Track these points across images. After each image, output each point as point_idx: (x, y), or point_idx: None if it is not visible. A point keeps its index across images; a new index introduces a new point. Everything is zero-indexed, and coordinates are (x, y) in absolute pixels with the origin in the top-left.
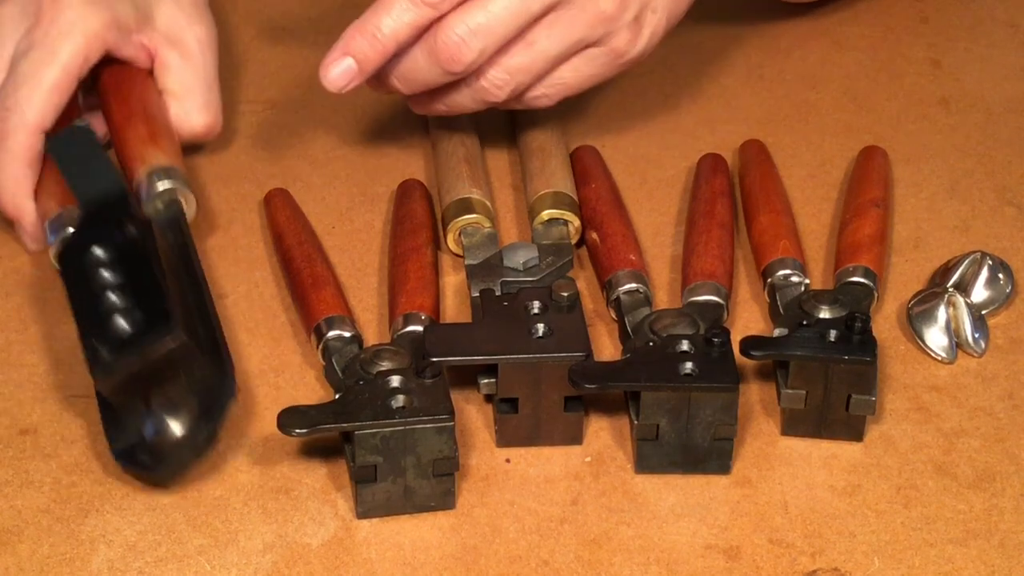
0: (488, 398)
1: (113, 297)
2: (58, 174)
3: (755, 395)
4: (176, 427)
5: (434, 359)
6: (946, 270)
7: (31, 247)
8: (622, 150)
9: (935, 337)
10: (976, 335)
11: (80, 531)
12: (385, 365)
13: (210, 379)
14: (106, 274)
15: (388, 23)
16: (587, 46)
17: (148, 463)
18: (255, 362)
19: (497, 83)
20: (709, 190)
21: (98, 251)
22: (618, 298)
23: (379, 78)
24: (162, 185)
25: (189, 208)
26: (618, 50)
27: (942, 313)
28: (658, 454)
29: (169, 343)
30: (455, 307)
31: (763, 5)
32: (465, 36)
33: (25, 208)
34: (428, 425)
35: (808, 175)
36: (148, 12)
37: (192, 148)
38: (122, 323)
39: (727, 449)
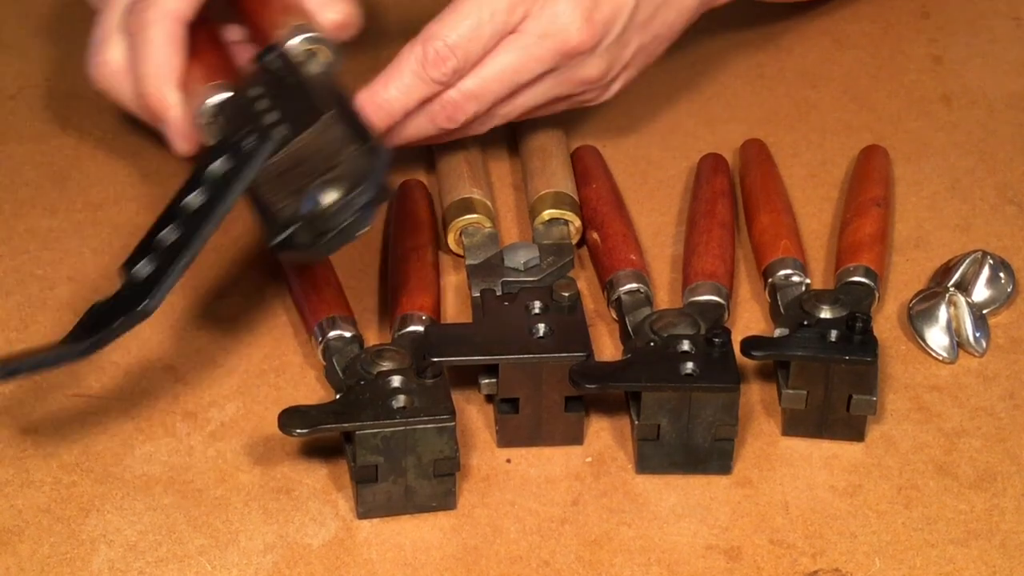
0: (489, 398)
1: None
2: (206, 66)
3: (756, 395)
4: (333, 195)
5: (435, 359)
6: (947, 269)
7: (179, 147)
8: (623, 150)
9: (936, 337)
10: (977, 335)
11: (80, 531)
12: (386, 365)
13: (360, 154)
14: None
15: (398, 98)
16: (560, 100)
17: (307, 241)
18: (255, 362)
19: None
20: (710, 190)
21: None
22: (619, 298)
23: None
24: (303, 42)
25: (337, 60)
26: (585, 100)
27: (943, 313)
28: (659, 454)
29: (323, 123)
30: (455, 307)
31: (763, 4)
32: (460, 100)
33: (170, 99)
34: (429, 425)
35: (809, 174)
36: None
37: None
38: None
39: (728, 449)
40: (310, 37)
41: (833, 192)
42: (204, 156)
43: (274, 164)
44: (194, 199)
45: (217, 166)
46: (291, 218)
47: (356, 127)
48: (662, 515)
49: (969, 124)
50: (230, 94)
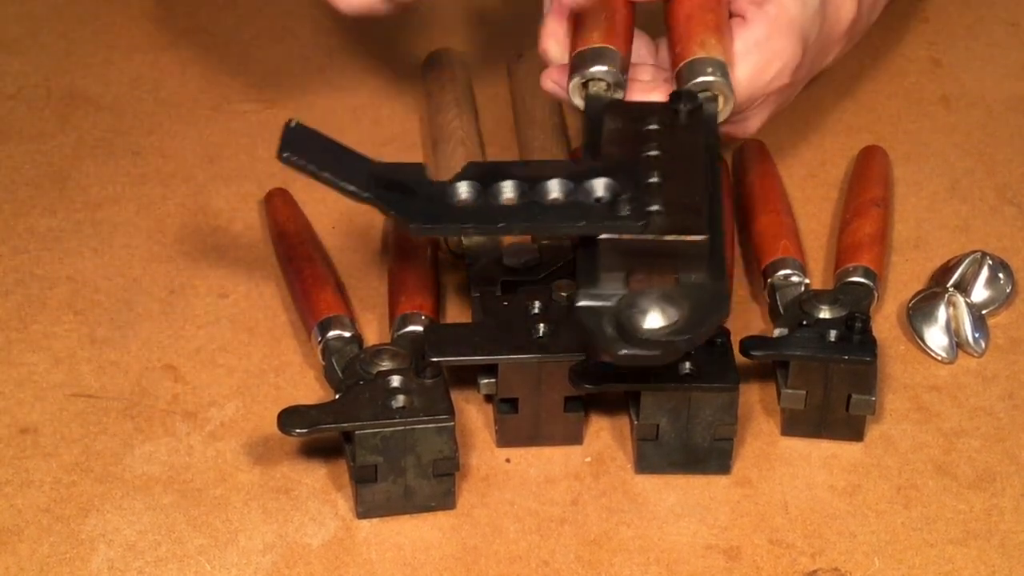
0: (488, 398)
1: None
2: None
3: (755, 395)
4: (656, 321)
5: (434, 359)
6: (946, 270)
7: (543, 81)
8: None
9: (935, 337)
10: (976, 335)
11: (80, 531)
12: (385, 365)
13: (706, 290)
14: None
15: None
16: None
17: (607, 336)
18: (255, 362)
19: None
20: None
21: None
22: None
23: None
24: (707, 76)
25: (725, 107)
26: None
27: (942, 313)
28: (658, 454)
29: (693, 239)
30: (455, 307)
31: None
32: None
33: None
34: (428, 425)
35: (808, 174)
36: None
37: (191, 147)
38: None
39: (727, 449)
40: (719, 83)
41: (833, 192)
42: (582, 162)
43: (627, 239)
44: (552, 192)
45: (590, 195)
46: (607, 297)
47: (716, 256)
48: (661, 515)
49: (968, 126)
50: (623, 82)
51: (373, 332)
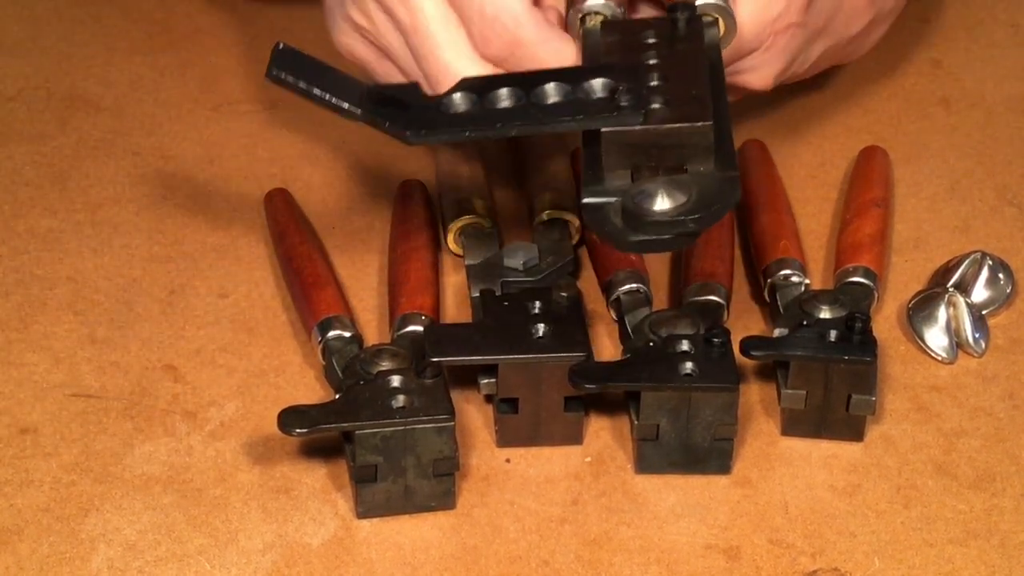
0: (488, 398)
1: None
2: None
3: (755, 395)
4: (668, 203)
5: (434, 359)
6: (946, 270)
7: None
8: None
9: (935, 337)
10: (976, 335)
11: (80, 530)
12: (385, 365)
13: (715, 178)
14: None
15: None
16: None
17: (611, 225)
18: (255, 362)
19: None
20: None
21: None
22: (618, 298)
23: None
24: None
25: (727, 35)
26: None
27: (942, 313)
28: (658, 454)
29: (697, 126)
30: (455, 307)
31: None
32: None
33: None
34: (428, 425)
35: (808, 175)
36: None
37: (191, 147)
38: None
39: (727, 449)
40: (718, 5)
41: (833, 193)
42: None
43: (628, 132)
44: (551, 96)
45: (589, 89)
46: (614, 193)
47: (725, 147)
48: (661, 515)
49: (968, 126)
50: (620, 16)
51: (373, 332)
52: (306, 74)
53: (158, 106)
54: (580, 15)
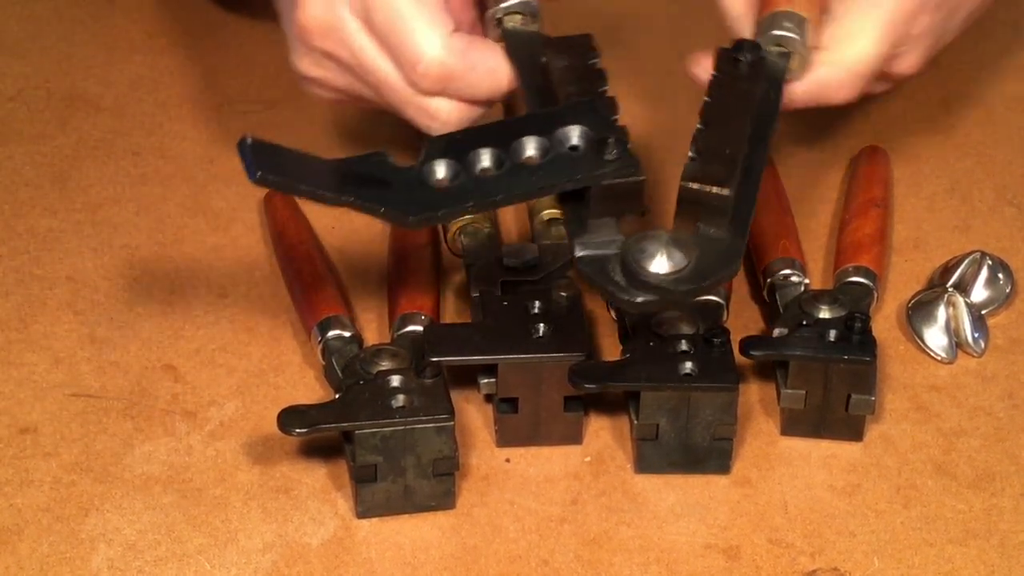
0: (488, 398)
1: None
2: None
3: (755, 395)
4: (662, 265)
5: (434, 359)
6: (946, 270)
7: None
8: None
9: (935, 337)
10: (976, 335)
11: (80, 530)
12: (385, 365)
13: (722, 244)
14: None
15: None
16: None
17: (620, 284)
18: (255, 362)
19: None
20: None
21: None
22: None
23: None
24: (782, 31)
25: (800, 67)
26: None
27: (942, 313)
28: (658, 454)
29: (717, 192)
30: (455, 307)
31: None
32: None
33: None
34: (428, 425)
35: (808, 174)
36: None
37: (191, 147)
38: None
39: (727, 449)
40: (795, 40)
41: (832, 192)
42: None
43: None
44: (528, 150)
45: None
46: (604, 244)
47: (742, 212)
48: (661, 514)
49: (968, 126)
50: (536, 12)
51: (373, 332)
52: (285, 168)
53: (158, 106)
54: (496, 16)
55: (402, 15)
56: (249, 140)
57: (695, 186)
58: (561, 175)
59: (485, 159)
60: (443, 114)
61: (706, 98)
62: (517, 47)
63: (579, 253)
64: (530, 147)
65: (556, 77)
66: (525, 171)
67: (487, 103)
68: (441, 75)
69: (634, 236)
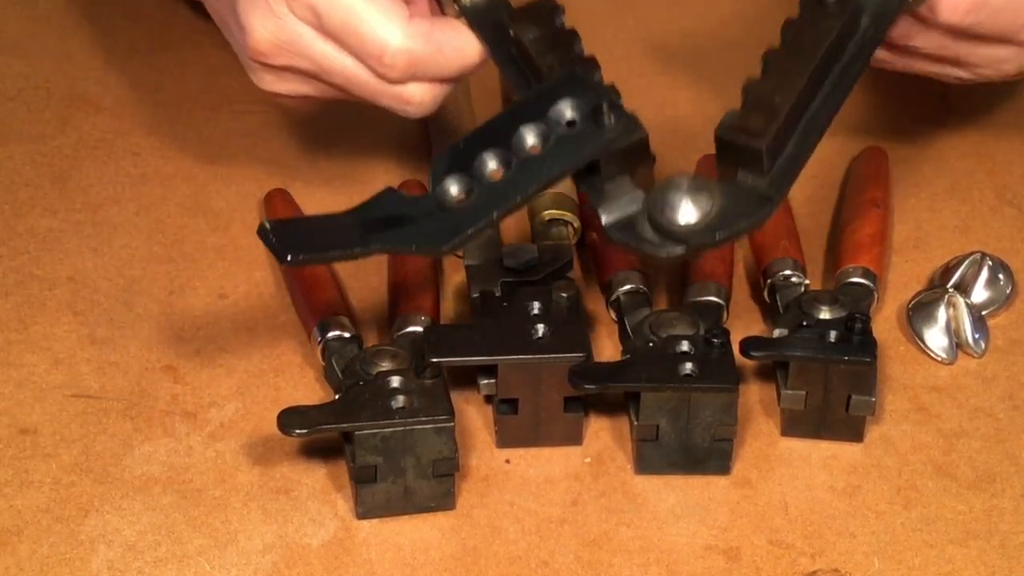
0: (488, 399)
1: None
2: None
3: (755, 396)
4: (688, 215)
5: (434, 359)
6: (946, 270)
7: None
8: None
9: (935, 337)
10: (976, 336)
11: (80, 531)
12: (385, 365)
13: (754, 193)
14: None
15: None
16: None
17: (655, 242)
18: (255, 362)
19: None
20: None
21: None
22: (618, 298)
23: None
24: None
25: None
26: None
27: (942, 313)
28: (658, 455)
29: (746, 144)
30: (455, 307)
31: (763, 5)
32: None
33: None
34: (428, 425)
35: (808, 175)
36: None
37: (191, 147)
38: None
39: (727, 450)
40: None
41: (833, 192)
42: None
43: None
44: (528, 139)
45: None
46: (627, 204)
47: (787, 161)
48: (661, 515)
49: (968, 126)
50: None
51: (373, 332)
52: (309, 239)
53: (158, 106)
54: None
55: (356, 12)
56: (268, 225)
57: (726, 136)
58: (568, 157)
59: (491, 162)
60: (417, 97)
61: (780, 42)
62: (481, 21)
63: (606, 221)
64: (530, 137)
65: (532, 49)
66: (534, 163)
67: (459, 79)
68: (408, 62)
69: (655, 188)
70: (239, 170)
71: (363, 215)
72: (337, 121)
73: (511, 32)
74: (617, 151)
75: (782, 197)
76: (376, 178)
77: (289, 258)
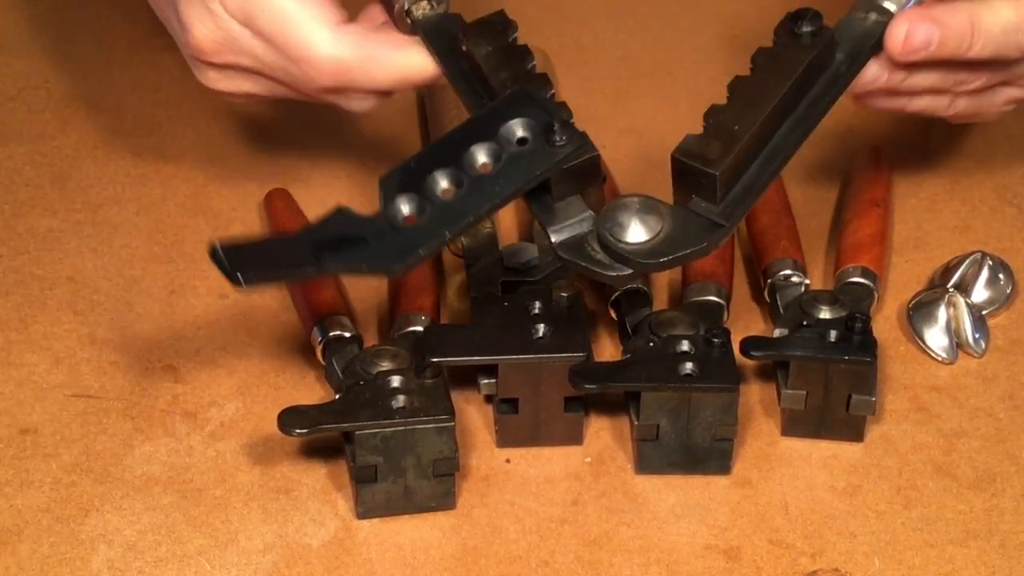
0: (488, 398)
1: None
2: None
3: (755, 395)
4: (637, 234)
5: (434, 359)
6: (946, 270)
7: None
8: (622, 150)
9: (935, 337)
10: (976, 335)
11: (80, 531)
12: (385, 365)
13: (702, 220)
14: None
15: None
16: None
17: (604, 263)
18: (255, 362)
19: None
20: None
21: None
22: (618, 298)
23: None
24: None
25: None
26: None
27: (942, 313)
28: (658, 454)
29: (701, 169)
30: (455, 307)
31: (764, 5)
32: None
33: None
34: (428, 425)
35: (808, 175)
36: None
37: (191, 147)
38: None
39: (727, 449)
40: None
41: (832, 193)
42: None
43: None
44: (480, 158)
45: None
46: (577, 224)
47: (741, 192)
48: (661, 515)
49: (968, 126)
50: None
51: (373, 332)
52: (261, 260)
53: (158, 106)
54: (404, 8)
55: (284, 15)
56: (219, 246)
57: (683, 159)
58: (520, 176)
59: (443, 181)
60: (353, 104)
61: (750, 69)
62: (434, 35)
63: (555, 239)
64: (481, 155)
65: (484, 65)
66: (486, 182)
67: (397, 90)
68: (336, 71)
69: (606, 207)
70: (239, 170)
71: (315, 235)
72: (337, 121)
73: (463, 47)
74: (568, 170)
75: (732, 226)
76: (376, 178)
77: (241, 279)
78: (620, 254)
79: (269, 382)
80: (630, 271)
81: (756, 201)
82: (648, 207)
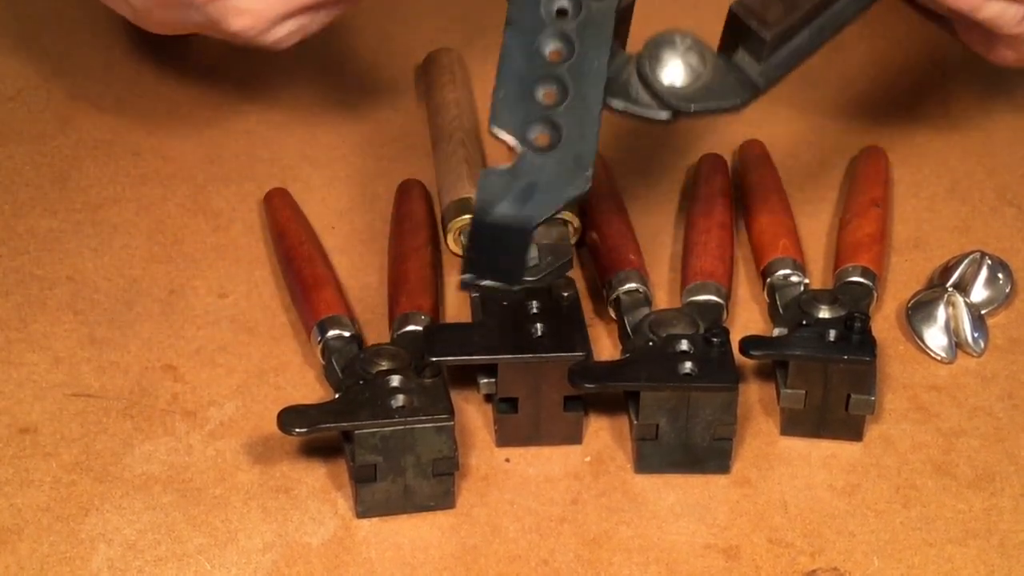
0: (488, 398)
1: None
2: None
3: (754, 395)
4: (676, 74)
5: (434, 359)
6: (945, 270)
7: None
8: (622, 150)
9: (934, 337)
10: (975, 335)
11: (80, 530)
12: (385, 365)
13: (741, 75)
14: None
15: None
16: None
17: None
18: (255, 362)
19: None
20: (709, 190)
21: None
22: (618, 298)
23: None
24: None
25: None
26: None
27: (941, 313)
28: (657, 454)
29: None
30: (455, 307)
31: None
32: None
33: None
34: (428, 425)
35: (808, 175)
36: None
37: (191, 147)
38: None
39: (726, 449)
40: None
41: (832, 192)
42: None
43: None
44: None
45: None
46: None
47: (783, 56)
48: (661, 514)
49: (968, 126)
50: None
51: (373, 332)
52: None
53: (158, 106)
54: None
55: None
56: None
57: (739, 14)
58: (600, 36)
59: (541, 92)
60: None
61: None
62: None
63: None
64: (549, 45)
65: None
66: (577, 65)
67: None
68: None
69: (651, 39)
70: (239, 170)
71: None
72: (337, 121)
73: None
74: (628, 6)
75: (766, 89)
76: (376, 178)
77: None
78: (655, 90)
79: (269, 381)
80: (668, 114)
81: (799, 66)
82: (694, 49)
